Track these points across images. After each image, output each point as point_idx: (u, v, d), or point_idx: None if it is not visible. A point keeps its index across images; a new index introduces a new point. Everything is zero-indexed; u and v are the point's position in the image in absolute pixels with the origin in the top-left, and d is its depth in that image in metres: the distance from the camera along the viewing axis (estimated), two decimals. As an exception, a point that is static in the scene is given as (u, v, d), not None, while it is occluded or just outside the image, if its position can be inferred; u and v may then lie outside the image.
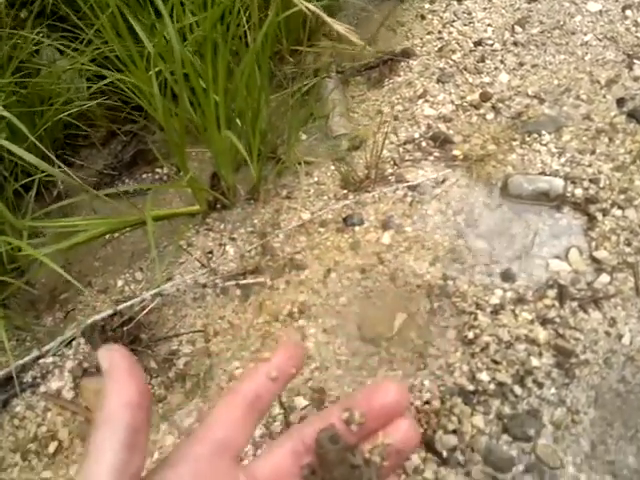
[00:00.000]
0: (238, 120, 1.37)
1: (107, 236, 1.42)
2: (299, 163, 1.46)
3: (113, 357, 0.43)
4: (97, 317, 1.15)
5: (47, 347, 1.13)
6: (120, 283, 1.33)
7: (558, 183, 1.33)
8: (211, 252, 1.35)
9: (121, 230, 1.34)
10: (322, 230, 1.37)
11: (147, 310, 1.21)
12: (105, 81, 1.41)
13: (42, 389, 1.17)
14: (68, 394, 1.16)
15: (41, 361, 1.19)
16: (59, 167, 1.12)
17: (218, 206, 1.44)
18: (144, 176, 1.57)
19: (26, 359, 1.14)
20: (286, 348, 0.53)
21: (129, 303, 1.15)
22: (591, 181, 1.34)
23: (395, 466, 0.52)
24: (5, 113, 1.03)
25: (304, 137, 1.58)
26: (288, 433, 0.54)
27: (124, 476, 0.40)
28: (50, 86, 1.34)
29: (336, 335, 1.18)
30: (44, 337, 1.21)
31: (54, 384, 1.17)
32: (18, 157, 1.26)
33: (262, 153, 1.41)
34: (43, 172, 1.25)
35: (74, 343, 1.21)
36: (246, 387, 0.52)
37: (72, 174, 1.14)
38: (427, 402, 1.02)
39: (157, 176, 1.56)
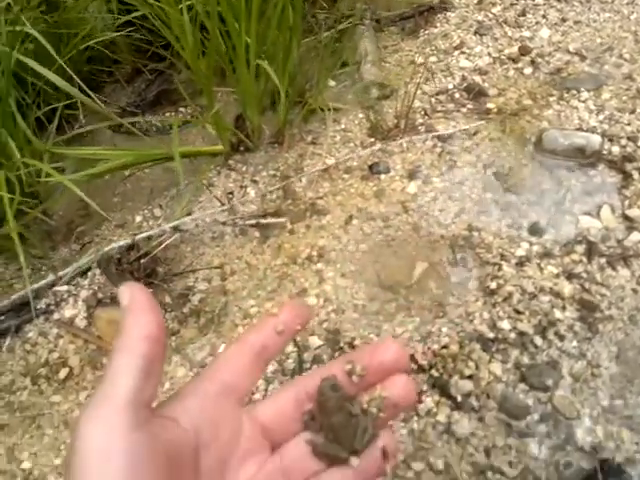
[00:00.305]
0: (267, 61, 1.33)
1: (127, 172, 1.40)
2: (328, 109, 1.42)
3: (133, 293, 0.46)
4: (114, 245, 1.13)
5: (62, 272, 1.12)
6: (138, 219, 1.31)
7: (595, 139, 1.28)
8: (232, 193, 1.32)
9: (143, 164, 1.32)
10: (346, 177, 1.34)
11: (164, 245, 1.20)
12: (135, 14, 1.39)
13: (56, 316, 1.16)
14: (81, 323, 1.15)
15: (56, 289, 1.18)
16: (84, 92, 1.10)
17: (241, 148, 1.41)
18: (167, 115, 1.55)
19: (41, 283, 1.13)
20: (293, 306, 0.56)
21: (147, 234, 1.13)
22: (629, 139, 1.29)
23: (391, 418, 0.54)
24: (32, 31, 1.01)
25: (333, 84, 1.55)
26: (292, 382, 0.55)
27: (137, 401, 0.43)
28: (77, 13, 1.31)
29: (354, 280, 1.15)
30: (60, 266, 1.20)
31: (68, 312, 1.16)
32: (42, 83, 1.25)
33: (289, 96, 1.38)
34: (67, 99, 1.23)
35: (89, 274, 1.21)
36: (254, 338, 0.54)
37: (96, 100, 1.12)
38: (445, 346, 1.00)
39: (180, 115, 1.54)
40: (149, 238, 1.17)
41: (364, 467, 0.51)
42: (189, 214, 1.24)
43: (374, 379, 0.53)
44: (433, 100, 1.48)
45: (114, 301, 1.16)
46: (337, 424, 0.52)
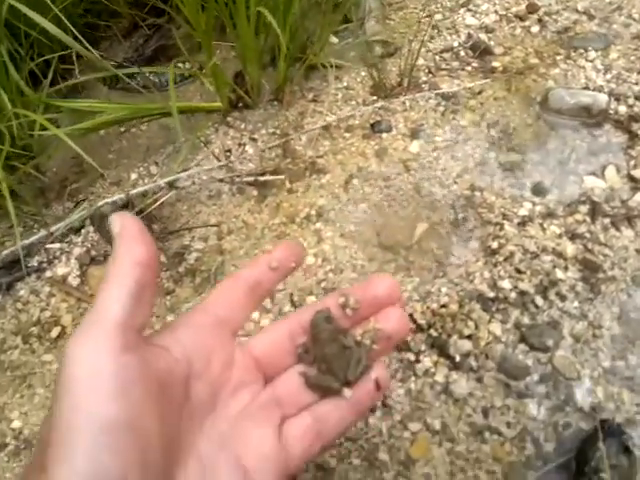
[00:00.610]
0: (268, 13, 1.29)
1: (122, 128, 1.37)
2: (330, 65, 1.39)
3: (124, 222, 0.46)
4: (108, 200, 1.11)
5: (54, 228, 1.10)
6: (134, 176, 1.29)
7: (602, 98, 1.24)
8: (229, 151, 1.30)
9: (140, 120, 1.29)
10: (347, 135, 1.31)
11: (160, 203, 1.17)
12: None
13: (48, 274, 1.14)
14: (74, 281, 1.13)
15: (48, 246, 1.16)
16: (79, 43, 1.06)
17: (240, 105, 1.38)
18: (165, 72, 1.50)
19: (32, 239, 1.10)
20: (287, 245, 0.57)
21: (142, 189, 1.10)
22: (637, 99, 1.26)
23: (384, 351, 0.55)
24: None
25: (335, 40, 1.50)
26: (286, 317, 0.57)
27: (127, 325, 0.42)
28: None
29: (353, 240, 1.13)
30: (52, 224, 1.18)
31: (60, 270, 1.14)
32: (36, 33, 1.22)
33: (290, 52, 1.34)
34: (62, 50, 1.20)
35: (83, 231, 1.18)
36: (248, 273, 0.55)
37: (92, 51, 1.08)
38: (444, 305, 0.98)
39: (179, 72, 1.50)
40: (144, 195, 1.15)
41: (357, 398, 0.53)
42: (185, 171, 1.21)
43: (368, 312, 0.55)
44: (437, 58, 1.44)
45: (108, 259, 1.14)
46: (330, 355, 0.53)
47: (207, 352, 0.51)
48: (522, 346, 0.94)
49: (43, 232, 1.12)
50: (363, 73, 1.43)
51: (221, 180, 1.19)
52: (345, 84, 1.42)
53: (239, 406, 0.51)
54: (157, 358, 0.46)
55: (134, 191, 1.12)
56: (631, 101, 1.26)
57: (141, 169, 1.30)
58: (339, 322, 0.54)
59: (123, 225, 0.46)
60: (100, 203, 1.13)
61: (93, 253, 1.16)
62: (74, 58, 1.38)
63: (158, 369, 0.45)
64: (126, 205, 1.18)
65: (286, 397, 0.53)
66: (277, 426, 0.51)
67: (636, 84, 1.29)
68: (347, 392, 0.52)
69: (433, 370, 0.93)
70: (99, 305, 0.43)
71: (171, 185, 1.18)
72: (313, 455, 0.52)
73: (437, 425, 0.88)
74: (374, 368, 0.54)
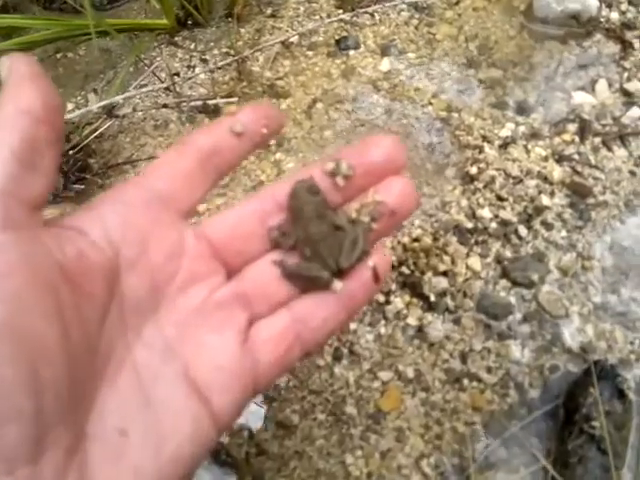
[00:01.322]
0: None
1: (59, 55, 1.23)
2: (288, -25, 1.24)
3: (14, 64, 0.35)
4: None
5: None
6: (70, 106, 1.14)
7: (592, 4, 1.11)
8: (177, 74, 1.16)
9: (77, 39, 1.14)
10: (310, 54, 1.17)
11: (98, 134, 1.04)
12: None
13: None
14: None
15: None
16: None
17: (189, 23, 1.23)
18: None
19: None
20: (257, 106, 0.45)
21: (71, 116, 0.97)
22: (630, 3, 1.13)
23: (385, 231, 0.44)
24: None
25: (295, -53, 1.34)
26: (256, 193, 0.45)
27: (10, 193, 0.32)
28: None
29: (317, 171, 1.01)
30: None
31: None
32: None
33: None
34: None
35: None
36: (202, 139, 0.43)
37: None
38: (416, 239, 0.87)
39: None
40: (77, 126, 1.01)
41: (349, 291, 0.42)
42: (123, 94, 1.07)
43: (363, 183, 0.43)
44: (410, -35, 1.29)
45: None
46: (317, 236, 0.42)
47: (142, 236, 0.39)
48: (504, 282, 0.84)
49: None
50: (327, -17, 1.28)
51: (165, 106, 1.06)
52: (307, -4, 1.27)
53: (191, 305, 0.40)
54: (61, 242, 0.34)
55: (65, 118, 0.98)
56: (624, 7, 1.13)
57: (79, 97, 1.16)
58: (327, 194, 0.43)
59: (11, 68, 0.35)
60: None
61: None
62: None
63: (62, 256, 0.34)
64: (62, 138, 1.04)
65: (255, 293, 0.42)
66: (241, 329, 0.41)
67: (629, -12, 1.16)
68: (337, 284, 0.41)
69: (405, 312, 0.83)
70: None
71: (109, 113, 1.04)
72: (290, 363, 0.42)
73: (410, 373, 0.79)
74: (372, 253, 0.43)
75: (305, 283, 0.41)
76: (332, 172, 0.42)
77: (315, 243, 0.41)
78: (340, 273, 0.41)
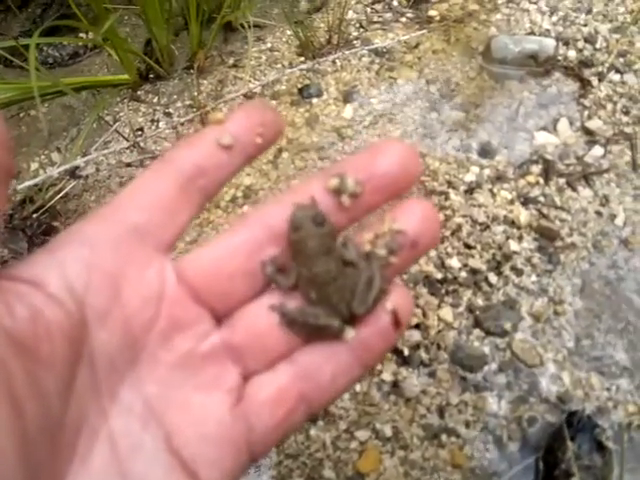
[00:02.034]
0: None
1: (22, 114, 1.21)
2: (249, 25, 1.24)
3: None
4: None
5: (-64, 236, 0.95)
6: (34, 166, 1.13)
7: (549, 43, 1.13)
8: (141, 129, 1.15)
9: (36, 100, 1.13)
10: (274, 103, 1.17)
11: (62, 195, 1.03)
12: None
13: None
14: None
15: (-62, 255, 1.01)
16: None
17: (151, 76, 1.23)
18: (66, 45, 1.34)
19: None
20: (249, 109, 0.36)
21: (32, 182, 0.95)
22: (586, 41, 1.15)
23: (407, 264, 0.36)
24: None
25: (255, -4, 1.35)
26: (244, 216, 0.37)
27: None
28: None
29: (286, 221, 1.01)
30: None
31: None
32: None
33: (204, 12, 1.19)
34: None
35: (-22, 235, 1.03)
36: (183, 156, 0.35)
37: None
38: (386, 293, 0.86)
39: (82, 42, 1.33)
40: (39, 189, 0.99)
41: (364, 340, 0.35)
42: (85, 156, 1.06)
43: (375, 199, 0.35)
44: (369, 10, 1.30)
45: (5, 266, 0.99)
46: (324, 277, 0.34)
47: (112, 280, 0.33)
48: (477, 332, 0.83)
49: None
50: (288, 32, 1.29)
51: (129, 165, 1.04)
52: (269, 45, 1.28)
53: (174, 358, 0.34)
54: (9, 302, 0.29)
55: (22, 185, 0.96)
56: (580, 44, 1.15)
57: (42, 157, 1.15)
58: (333, 219, 0.35)
59: None
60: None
61: (-10, 260, 1.01)
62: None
63: (11, 320, 0.29)
64: (23, 201, 1.02)
65: (249, 344, 0.35)
66: (232, 388, 0.35)
67: (585, 25, 1.18)
68: (349, 332, 0.35)
69: (380, 367, 0.82)
70: None
71: (73, 174, 1.03)
72: (292, 427, 0.36)
73: (388, 431, 0.77)
74: (391, 293, 0.35)
75: (310, 332, 0.35)
76: (336, 189, 0.35)
77: (322, 285, 0.34)
78: (352, 319, 0.35)
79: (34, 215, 1.00)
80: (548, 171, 0.98)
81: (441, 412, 0.78)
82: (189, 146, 0.36)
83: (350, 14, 1.29)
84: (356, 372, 0.36)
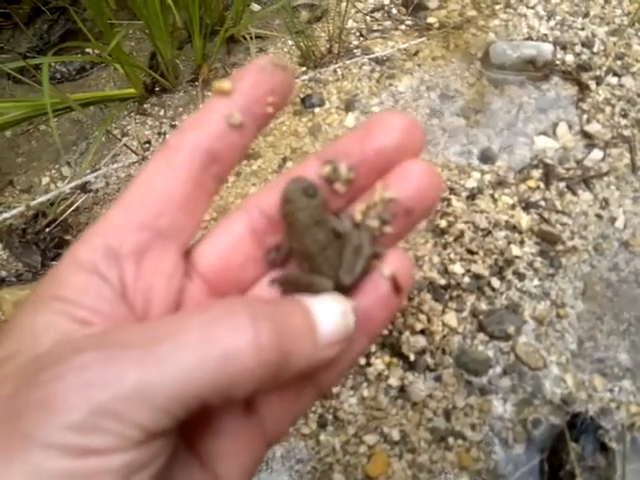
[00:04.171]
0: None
1: (32, 129, 1.24)
2: (251, 37, 1.26)
3: None
4: (7, 215, 0.97)
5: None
6: (45, 181, 1.15)
7: (546, 48, 1.15)
8: (149, 142, 1.17)
9: (45, 117, 1.15)
10: (278, 113, 1.19)
11: (74, 209, 1.05)
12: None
13: (-44, 301, 1.02)
14: (-15, 306, 1.01)
15: (-46, 270, 1.03)
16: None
17: (157, 89, 1.25)
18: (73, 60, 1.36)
19: None
20: (257, 74, 0.32)
21: (44, 198, 0.98)
22: (584, 45, 1.17)
23: (405, 230, 0.34)
24: None
25: (257, 8, 1.37)
26: (240, 206, 0.35)
27: None
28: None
29: (292, 230, 1.03)
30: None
31: (-31, 295, 1.02)
32: None
33: (207, 25, 1.21)
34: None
35: (-10, 249, 1.06)
36: (192, 141, 0.32)
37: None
38: (391, 300, 0.88)
39: (89, 58, 1.35)
40: (51, 203, 1.02)
41: (364, 310, 0.33)
42: (95, 171, 1.08)
43: (369, 180, 0.33)
44: (368, 19, 1.32)
45: (21, 279, 1.01)
46: (313, 248, 0.33)
47: (142, 296, 0.32)
48: (481, 336, 0.85)
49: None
50: (290, 42, 1.31)
51: (138, 179, 1.06)
52: (271, 56, 1.29)
53: None
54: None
55: (35, 202, 0.98)
56: (578, 48, 1.17)
57: (53, 171, 1.17)
58: (325, 194, 0.34)
59: None
60: (6, 215, 0.99)
61: (3, 274, 1.03)
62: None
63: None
64: (36, 215, 1.05)
65: None
66: None
67: (582, 29, 1.20)
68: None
69: (386, 373, 0.84)
70: None
71: (83, 188, 1.05)
72: (301, 408, 0.35)
73: (395, 435, 0.79)
74: (387, 258, 0.33)
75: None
76: (329, 177, 0.34)
77: (312, 256, 0.34)
78: (346, 289, 0.33)
79: (47, 229, 1.03)
80: (548, 175, 1.00)
81: (447, 415, 0.80)
82: (197, 128, 0.33)
83: (350, 23, 1.30)
84: (361, 344, 0.34)
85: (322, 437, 0.79)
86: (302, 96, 1.20)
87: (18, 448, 0.25)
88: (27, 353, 0.28)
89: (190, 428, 0.32)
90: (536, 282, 0.89)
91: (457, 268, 0.90)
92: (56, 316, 0.29)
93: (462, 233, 0.94)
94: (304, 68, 1.25)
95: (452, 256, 0.92)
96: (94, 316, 0.30)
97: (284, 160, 1.12)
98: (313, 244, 0.33)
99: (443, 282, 0.90)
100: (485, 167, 1.04)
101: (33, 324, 0.29)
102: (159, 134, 1.18)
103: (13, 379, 0.27)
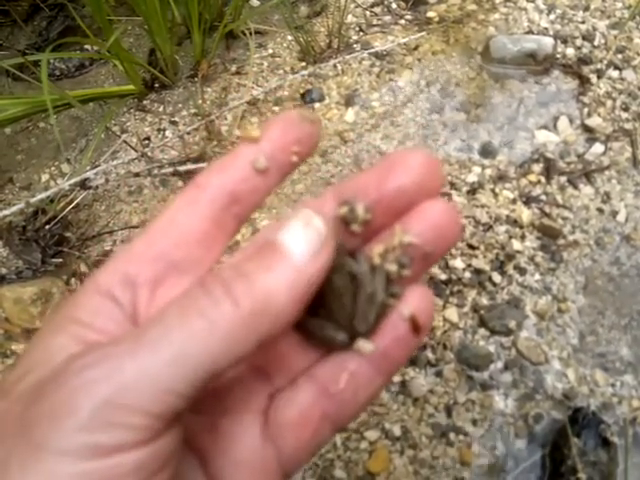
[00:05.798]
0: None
1: (31, 126, 1.23)
2: (250, 33, 1.25)
3: None
4: (6, 212, 0.97)
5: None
6: (45, 178, 1.15)
7: (547, 42, 1.14)
8: (148, 138, 1.17)
9: (45, 113, 1.15)
10: (277, 109, 1.19)
11: (73, 205, 1.05)
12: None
13: (-43, 299, 1.01)
14: (-14, 303, 1.01)
15: (-47, 268, 1.03)
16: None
17: (156, 86, 1.25)
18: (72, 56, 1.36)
19: None
20: (286, 123, 0.34)
21: (44, 195, 0.97)
22: (584, 39, 1.16)
23: (420, 273, 0.34)
24: None
25: (256, 3, 1.37)
26: (250, 241, 0.35)
27: None
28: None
29: (292, 226, 1.02)
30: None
31: (-31, 292, 1.02)
32: None
33: (206, 21, 1.20)
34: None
35: (-10, 246, 1.05)
36: (216, 182, 0.33)
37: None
38: (392, 295, 0.88)
39: (87, 54, 1.35)
40: (51, 200, 1.02)
41: (382, 351, 0.33)
42: (94, 168, 1.08)
43: (387, 220, 0.34)
44: (368, 13, 1.32)
45: (21, 277, 1.01)
46: (331, 294, 0.33)
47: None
48: (482, 331, 0.85)
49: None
50: (289, 37, 1.30)
51: (137, 174, 1.06)
52: (270, 51, 1.29)
53: None
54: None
55: (35, 199, 0.98)
56: (579, 42, 1.16)
57: (52, 168, 1.17)
58: (341, 238, 0.33)
59: None
60: (5, 213, 0.99)
61: (3, 271, 1.03)
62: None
63: None
64: (36, 212, 1.05)
65: (271, 361, 0.35)
66: (262, 409, 0.34)
67: (583, 22, 1.19)
68: (366, 345, 0.33)
69: (387, 368, 0.83)
70: None
71: (83, 185, 1.05)
72: (319, 445, 0.35)
73: (397, 431, 0.79)
74: (407, 297, 0.33)
75: (322, 344, 0.34)
76: (345, 218, 0.33)
77: (328, 303, 0.33)
78: (358, 335, 0.33)
79: (46, 226, 1.03)
80: (549, 169, 1.00)
81: (449, 411, 0.80)
82: (222, 170, 0.34)
83: (350, 18, 1.30)
84: (378, 383, 0.34)
85: (323, 433, 0.79)
86: (302, 92, 1.20)
87: (32, 459, 0.25)
88: (39, 373, 0.29)
89: (207, 457, 0.32)
90: (537, 277, 0.89)
91: (458, 263, 0.90)
92: (70, 338, 0.30)
93: (463, 228, 0.93)
94: (303, 63, 1.25)
95: (453, 251, 0.92)
96: (104, 338, 0.30)
97: (284, 156, 1.11)
98: (330, 292, 0.33)
99: (444, 277, 0.89)
100: (486, 161, 1.03)
101: (48, 345, 0.30)
102: (158, 130, 1.18)
103: (25, 397, 0.28)
